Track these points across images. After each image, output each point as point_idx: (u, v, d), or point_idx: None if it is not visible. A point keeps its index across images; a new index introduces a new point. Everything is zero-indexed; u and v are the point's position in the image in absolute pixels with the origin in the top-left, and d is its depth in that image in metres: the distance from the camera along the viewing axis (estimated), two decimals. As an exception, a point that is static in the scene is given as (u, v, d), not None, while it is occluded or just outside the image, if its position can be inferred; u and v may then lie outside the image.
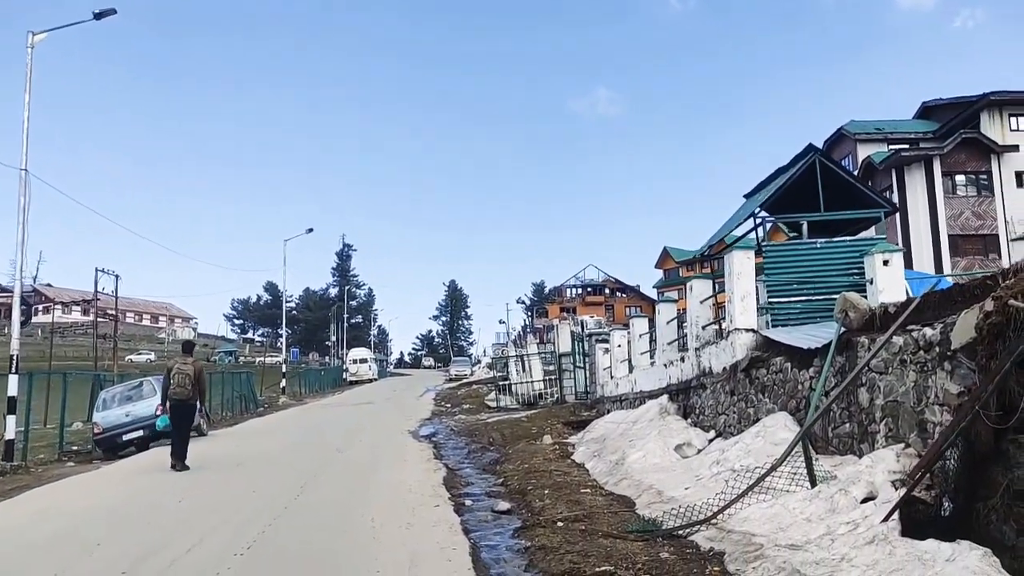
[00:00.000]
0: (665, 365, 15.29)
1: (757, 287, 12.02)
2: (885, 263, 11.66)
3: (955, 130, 37.66)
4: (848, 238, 12.59)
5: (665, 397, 14.27)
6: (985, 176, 36.84)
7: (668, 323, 15.70)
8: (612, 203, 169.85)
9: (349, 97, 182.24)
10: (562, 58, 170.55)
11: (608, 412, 19.28)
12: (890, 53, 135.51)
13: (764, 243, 12.26)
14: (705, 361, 12.97)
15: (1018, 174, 36.78)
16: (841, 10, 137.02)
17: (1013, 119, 37.22)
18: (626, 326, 21.03)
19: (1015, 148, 36.49)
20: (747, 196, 15.33)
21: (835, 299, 12.01)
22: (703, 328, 13.48)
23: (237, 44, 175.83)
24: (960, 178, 36.89)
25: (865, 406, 8.39)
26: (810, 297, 12.20)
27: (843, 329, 9.13)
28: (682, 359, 14.27)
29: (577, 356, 27.19)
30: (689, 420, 13.20)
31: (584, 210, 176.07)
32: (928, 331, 7.43)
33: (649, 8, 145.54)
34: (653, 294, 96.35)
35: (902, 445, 7.56)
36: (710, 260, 15.88)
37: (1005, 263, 34.22)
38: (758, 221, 13.71)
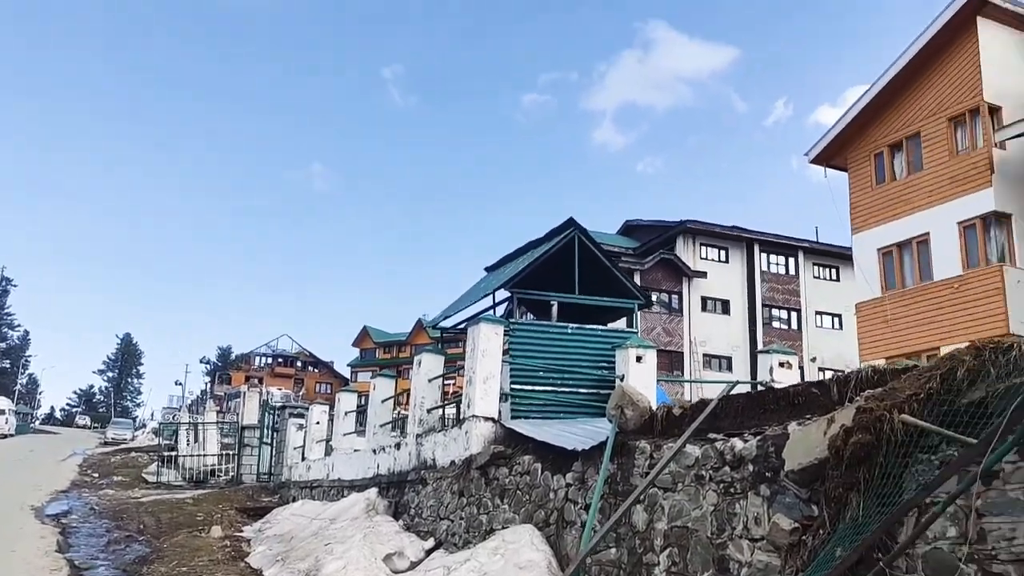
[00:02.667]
0: (375, 451, 12.93)
1: (503, 370, 10.28)
2: (639, 359, 10.46)
3: (654, 249, 40.08)
4: (600, 327, 11.36)
5: (374, 491, 11.85)
6: (677, 296, 39.37)
7: (384, 402, 13.42)
8: (316, 275, 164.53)
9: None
10: (282, 130, 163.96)
11: (295, 500, 16.37)
12: (594, 173, 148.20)
13: (512, 321, 10.63)
14: (428, 451, 10.86)
15: (703, 299, 39.75)
16: (546, 131, 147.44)
17: (703, 248, 40.45)
18: (329, 401, 18.39)
19: (703, 275, 39.49)
20: (489, 269, 13.81)
21: (583, 393, 10.62)
22: (428, 412, 11.41)
23: None
24: (655, 295, 39.08)
25: (641, 529, 6.71)
26: (557, 388, 10.65)
27: (617, 430, 7.51)
28: (397, 446, 12.03)
29: (265, 431, 23.77)
30: (402, 522, 10.89)
31: (286, 278, 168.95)
32: (739, 443, 5.93)
33: (370, 98, 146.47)
34: (347, 372, 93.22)
35: (696, 587, 5.92)
36: (444, 338, 14.04)
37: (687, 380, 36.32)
38: (502, 296, 12.12)
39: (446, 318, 13.08)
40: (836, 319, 41.38)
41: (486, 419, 9.65)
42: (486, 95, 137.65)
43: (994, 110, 22.73)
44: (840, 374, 5.64)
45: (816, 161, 27.87)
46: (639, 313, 12.01)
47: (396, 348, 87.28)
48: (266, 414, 23.99)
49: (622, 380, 10.48)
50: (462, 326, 13.01)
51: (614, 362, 10.74)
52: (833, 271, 42.07)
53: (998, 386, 4.08)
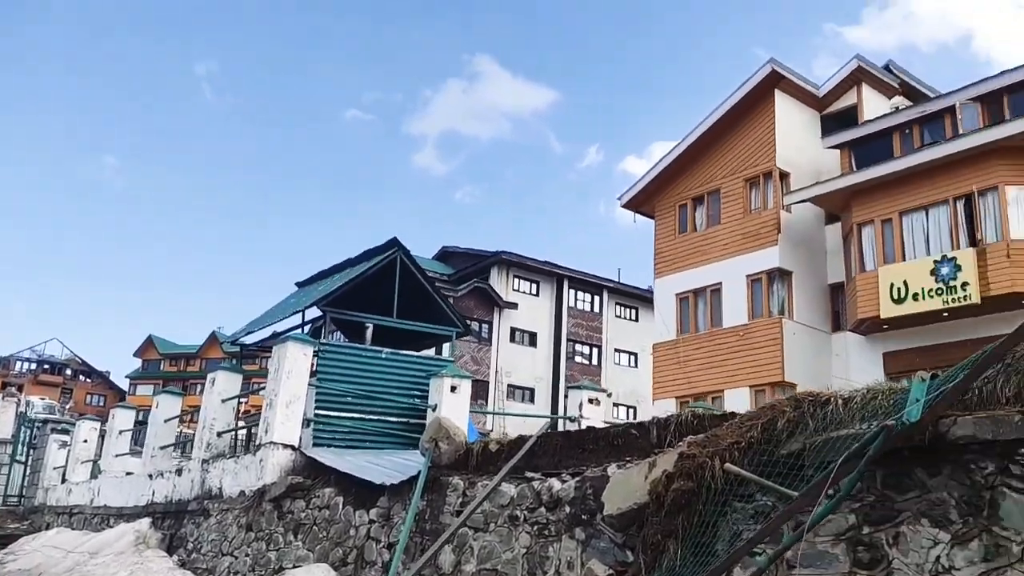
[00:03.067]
0: (152, 476, 11.76)
1: (308, 394, 9.61)
2: (454, 389, 10.18)
3: (469, 277, 40.28)
4: (415, 354, 10.98)
5: (147, 521, 10.70)
6: (488, 326, 39.68)
7: (167, 421, 12.26)
8: (99, 277, 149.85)
9: None
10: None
11: (49, 527, 14.61)
12: (413, 196, 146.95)
13: (323, 342, 10.03)
14: (215, 479, 9.97)
15: (513, 330, 40.32)
16: (366, 150, 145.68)
17: (516, 280, 41.14)
18: (102, 416, 16.69)
19: (514, 306, 40.09)
20: (301, 285, 13.06)
21: (393, 422, 10.19)
22: (218, 435, 10.51)
23: None
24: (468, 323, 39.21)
25: (447, 571, 6.36)
26: (366, 415, 10.13)
27: (430, 464, 7.15)
28: (179, 472, 10.98)
29: (19, 447, 21.11)
30: (177, 558, 9.88)
31: (66, 277, 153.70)
32: (556, 484, 5.76)
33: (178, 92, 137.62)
34: (125, 384, 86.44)
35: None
36: (243, 354, 13.07)
37: (491, 410, 36.55)
38: (312, 316, 11.45)
39: (248, 333, 12.20)
40: (633, 357, 43.24)
41: (285, 446, 8.98)
42: (306, 104, 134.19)
43: (784, 175, 24.67)
44: (660, 418, 5.63)
45: (627, 206, 29.07)
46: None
47: (184, 361, 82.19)
48: (23, 427, 21.34)
49: (435, 410, 10.15)
50: (267, 343, 12.20)
51: (427, 391, 10.40)
52: (633, 311, 44.02)
53: (815, 439, 4.13)
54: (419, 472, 7.03)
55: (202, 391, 11.94)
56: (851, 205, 22.02)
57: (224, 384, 10.60)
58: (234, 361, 12.17)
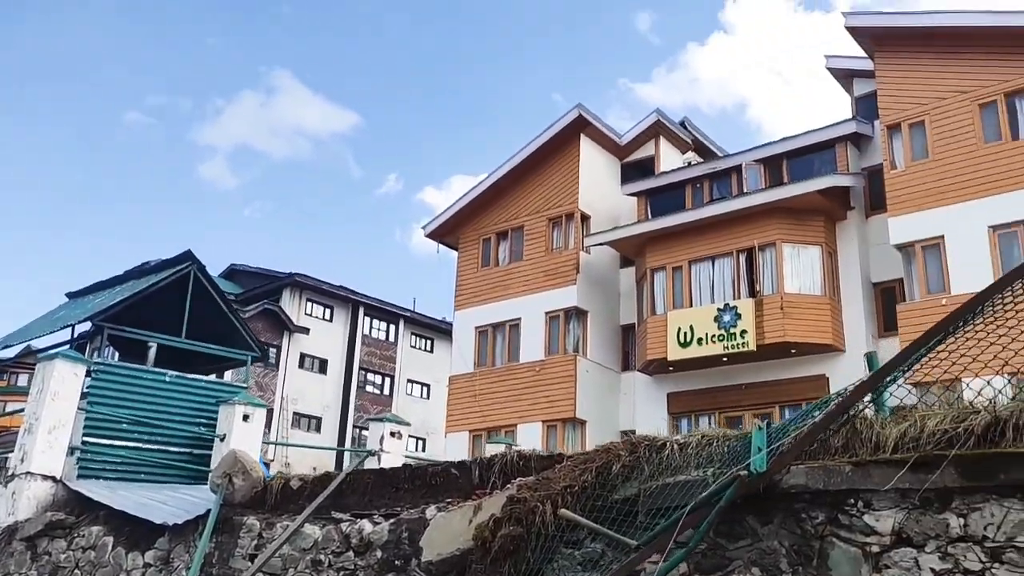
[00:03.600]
0: None
1: (77, 419, 8.46)
2: (245, 418, 9.41)
3: (259, 298, 38.42)
4: (204, 378, 10.05)
5: None
6: (276, 350, 37.94)
7: None
8: None
9: None
10: None
11: None
12: (200, 209, 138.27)
13: (98, 361, 8.89)
14: (-47, 513, 8.54)
15: (303, 355, 38.83)
16: (148, 156, 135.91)
17: (309, 303, 39.75)
18: None
19: (305, 331, 38.64)
20: (74, 296, 11.64)
21: (175, 452, 9.25)
22: (-38, 462, 9.06)
23: None
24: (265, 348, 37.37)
25: (236, 622, 5.73)
26: (143, 444, 9.10)
27: (222, 502, 6.45)
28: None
29: None
30: None
31: None
32: (368, 526, 5.34)
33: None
34: None
35: None
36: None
37: (274, 439, 34.80)
38: (84, 330, 10.20)
39: (6, 347, 10.69)
40: (425, 388, 42.97)
41: (45, 478, 7.85)
42: (84, 107, 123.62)
43: (585, 218, 25.59)
44: (483, 458, 5.36)
45: (432, 236, 28.96)
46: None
47: None
48: None
49: (223, 440, 9.32)
50: (23, 360, 10.78)
51: (216, 419, 9.54)
52: (429, 342, 43.83)
53: (651, 484, 4.03)
54: (208, 511, 6.33)
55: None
56: (646, 251, 23.15)
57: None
58: None
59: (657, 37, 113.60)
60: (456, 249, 28.72)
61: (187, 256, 10.11)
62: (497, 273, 26.94)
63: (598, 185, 26.36)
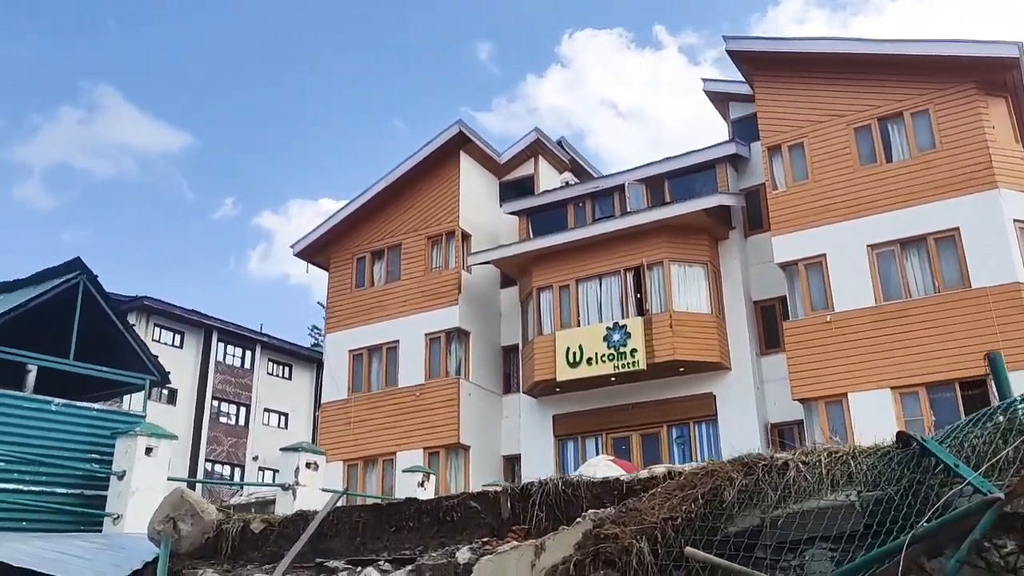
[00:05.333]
0: None
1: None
2: (148, 451, 8.13)
3: (100, 323, 35.33)
4: (96, 406, 8.61)
5: None
6: (120, 378, 34.95)
7: None
8: None
9: None
10: None
11: None
12: (18, 236, 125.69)
13: None
14: None
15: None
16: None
17: (157, 329, 36.90)
18: None
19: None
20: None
21: (62, 494, 7.85)
22: None
23: None
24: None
25: None
26: (23, 486, 7.61)
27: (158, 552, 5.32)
28: None
29: None
30: None
31: None
32: (374, 574, 4.46)
33: None
34: None
35: None
36: None
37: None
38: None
39: None
40: (283, 417, 40.91)
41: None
42: None
43: (466, 236, 25.02)
44: (514, 485, 4.61)
45: (300, 255, 27.47)
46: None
47: None
48: None
49: (122, 478, 7.99)
50: None
51: (111, 454, 8.18)
52: (287, 368, 41.83)
53: (777, 512, 3.44)
54: (145, 564, 5.20)
55: None
56: (531, 270, 22.81)
57: None
58: None
59: (497, 67, 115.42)
60: (327, 269, 27.38)
61: (76, 264, 8.64)
62: (373, 293, 25.86)
63: (478, 203, 25.89)
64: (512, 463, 23.86)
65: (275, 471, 38.76)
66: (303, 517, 5.16)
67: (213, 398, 37.77)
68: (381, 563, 4.53)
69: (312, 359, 42.90)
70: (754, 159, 21.49)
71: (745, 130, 22.12)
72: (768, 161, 19.93)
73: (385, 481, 23.28)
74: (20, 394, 7.92)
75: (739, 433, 19.08)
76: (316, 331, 59.52)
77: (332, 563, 4.68)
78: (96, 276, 8.69)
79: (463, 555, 4.23)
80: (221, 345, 38.82)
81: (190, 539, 5.22)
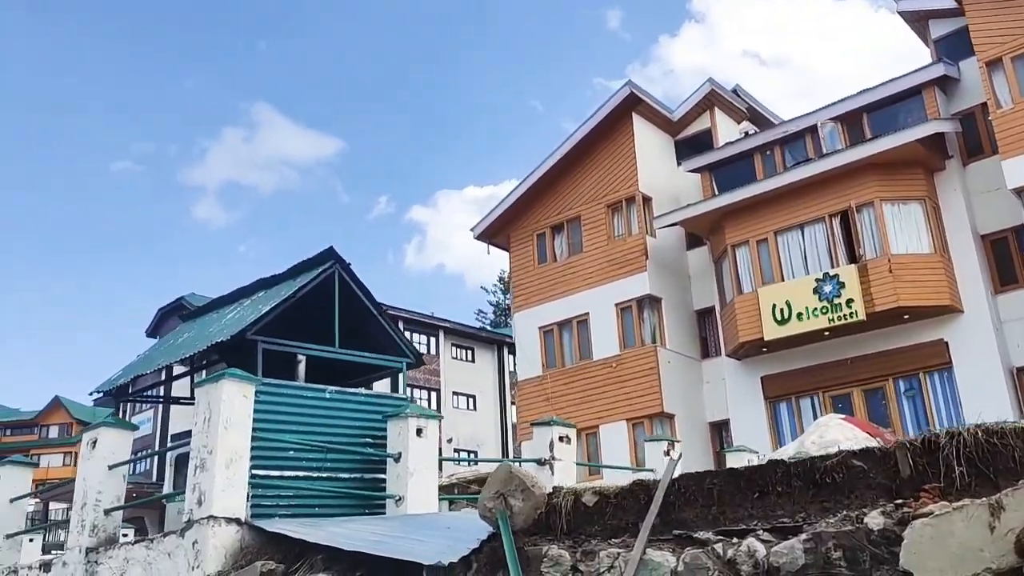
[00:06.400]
0: (-8, 579, 8.62)
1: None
2: (419, 432, 8.09)
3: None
4: (364, 391, 8.73)
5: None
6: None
7: (14, 501, 9.06)
8: None
9: None
10: None
11: None
12: (199, 251, 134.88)
13: (263, 380, 7.50)
14: (107, 573, 7.21)
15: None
16: (139, 203, 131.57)
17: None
18: None
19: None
20: (188, 318, 10.25)
21: (345, 479, 7.93)
22: (107, 513, 7.71)
23: None
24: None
25: None
26: (312, 473, 7.76)
27: (492, 531, 5.11)
28: (46, 568, 8.01)
29: None
30: None
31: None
32: (758, 547, 4.01)
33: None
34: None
35: None
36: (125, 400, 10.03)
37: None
38: (195, 353, 8.79)
39: (137, 377, 9.31)
40: (471, 399, 41.71)
41: (229, 521, 6.51)
42: (68, 163, 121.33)
43: (647, 200, 24.30)
44: (912, 441, 4.04)
45: (480, 237, 27.65)
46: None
47: (22, 430, 71.42)
48: None
49: (398, 460, 7.99)
50: (141, 396, 9.46)
51: (382, 437, 8.21)
52: (469, 352, 42.59)
53: None
54: (480, 543, 5.00)
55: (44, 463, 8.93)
56: (723, 227, 21.85)
57: (111, 444, 7.76)
58: (117, 415, 9.12)
59: (628, 33, 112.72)
60: (507, 249, 27.40)
61: (329, 254, 8.74)
62: (556, 268, 25.63)
63: (655, 165, 25.09)
64: (719, 429, 23.07)
65: (470, 451, 39.80)
66: (642, 487, 4.79)
67: (407, 386, 38.96)
68: (760, 533, 4.09)
69: (492, 340, 43.48)
70: (966, 79, 19.54)
71: (951, 48, 20.15)
72: (988, 77, 18.02)
73: (591, 455, 23.06)
74: (301, 384, 8.05)
75: (979, 381, 17.53)
76: (482, 315, 60.41)
77: (701, 534, 4.27)
78: (349, 264, 8.76)
79: (875, 520, 3.71)
80: (407, 334, 39.90)
81: (523, 515, 4.98)
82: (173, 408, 31.08)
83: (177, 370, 10.04)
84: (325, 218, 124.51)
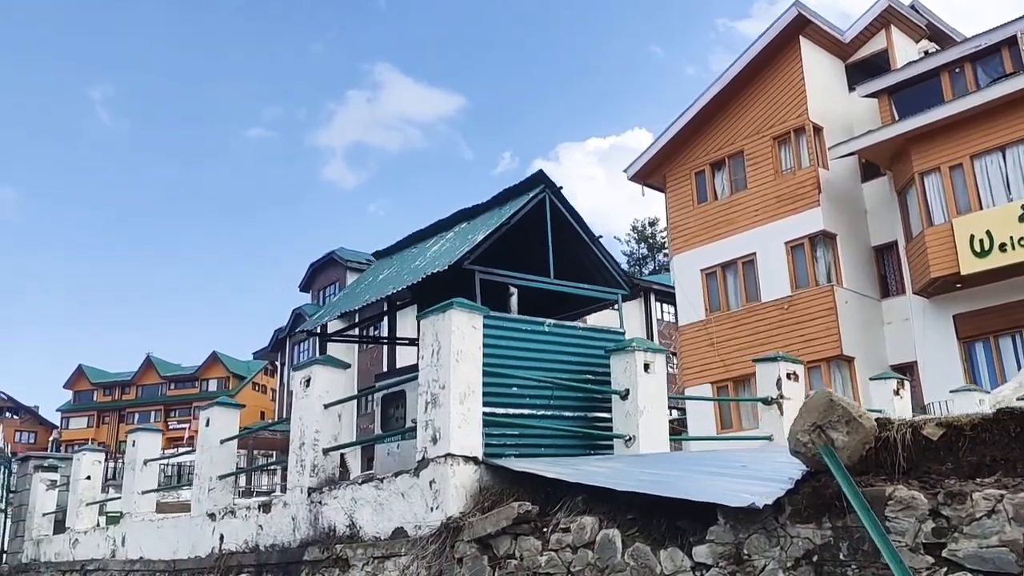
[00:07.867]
0: (213, 516, 8.60)
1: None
2: (647, 367, 7.39)
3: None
4: (582, 325, 8.15)
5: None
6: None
7: (224, 443, 9.04)
8: (13, 311, 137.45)
9: None
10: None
11: (43, 592, 11.27)
12: (329, 211, 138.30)
13: (490, 312, 6.97)
14: (337, 515, 6.93)
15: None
16: (273, 167, 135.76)
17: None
18: (104, 445, 13.15)
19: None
20: (381, 255, 9.99)
21: (569, 418, 7.34)
22: (325, 453, 7.46)
23: None
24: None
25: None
26: (536, 410, 7.23)
27: (806, 469, 4.35)
28: (265, 508, 7.87)
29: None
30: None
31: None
32: None
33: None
34: (56, 418, 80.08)
35: None
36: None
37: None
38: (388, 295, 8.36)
39: (344, 314, 9.02)
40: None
41: (467, 459, 6.05)
42: (206, 127, 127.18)
43: (818, 129, 22.62)
44: None
45: (634, 179, 26.62)
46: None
47: (119, 390, 76.55)
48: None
49: (625, 397, 7.34)
50: (338, 334, 9.18)
51: (604, 373, 7.57)
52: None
53: None
54: (796, 483, 4.26)
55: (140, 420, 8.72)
56: (908, 154, 20.01)
57: (326, 383, 7.50)
58: (325, 353, 8.85)
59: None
60: (663, 190, 26.26)
61: (539, 178, 8.07)
62: (718, 207, 24.34)
63: (825, 92, 23.27)
64: (903, 373, 21.42)
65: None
66: (1012, 416, 3.91)
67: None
68: None
69: (638, 287, 42.52)
70: None
71: None
72: None
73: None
74: (521, 317, 7.49)
75: None
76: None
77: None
78: (560, 187, 8.08)
79: None
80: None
81: (848, 451, 4.20)
82: (371, 349, 31.29)
83: (364, 313, 9.73)
84: (450, 175, 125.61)
